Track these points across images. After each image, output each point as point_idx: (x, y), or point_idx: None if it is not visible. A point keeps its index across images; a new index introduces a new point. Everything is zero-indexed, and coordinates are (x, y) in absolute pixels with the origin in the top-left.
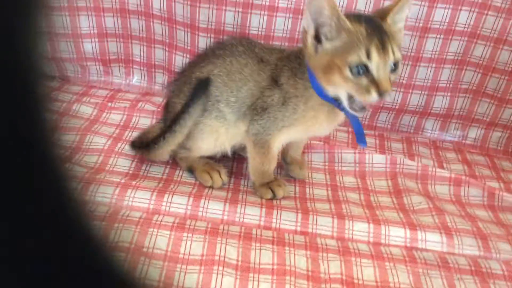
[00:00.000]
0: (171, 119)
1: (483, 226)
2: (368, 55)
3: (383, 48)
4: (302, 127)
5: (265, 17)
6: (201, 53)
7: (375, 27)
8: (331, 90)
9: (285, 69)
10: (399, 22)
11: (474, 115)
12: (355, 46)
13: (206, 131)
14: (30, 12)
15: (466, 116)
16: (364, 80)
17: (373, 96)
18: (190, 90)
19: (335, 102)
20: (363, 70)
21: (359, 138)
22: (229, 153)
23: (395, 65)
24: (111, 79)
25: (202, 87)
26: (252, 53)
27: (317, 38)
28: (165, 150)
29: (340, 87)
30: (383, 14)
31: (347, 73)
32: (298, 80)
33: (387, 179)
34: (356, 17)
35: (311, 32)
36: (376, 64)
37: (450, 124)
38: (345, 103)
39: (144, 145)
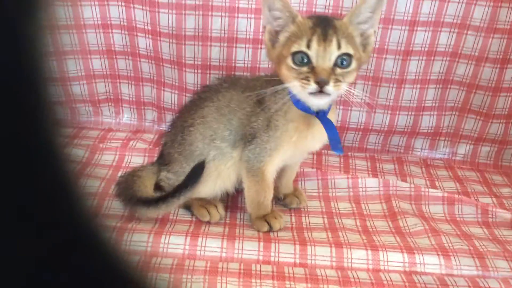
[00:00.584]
0: (168, 193)
1: (479, 244)
2: (309, 45)
3: (324, 39)
4: (289, 146)
5: (250, 50)
6: (187, 102)
7: (324, 22)
8: (286, 79)
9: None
10: (362, 25)
11: (461, 132)
12: (300, 36)
13: (206, 174)
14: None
15: (454, 133)
16: (304, 69)
17: (312, 85)
18: (182, 139)
19: (308, 109)
20: (305, 59)
21: (334, 145)
22: (231, 191)
23: (344, 60)
24: (101, 119)
25: (198, 170)
26: (237, 86)
27: (276, 34)
28: (159, 214)
29: (287, 79)
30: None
31: (290, 62)
32: (278, 96)
33: (381, 202)
34: (312, 16)
35: (268, 28)
36: (315, 52)
37: (439, 142)
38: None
39: (137, 203)
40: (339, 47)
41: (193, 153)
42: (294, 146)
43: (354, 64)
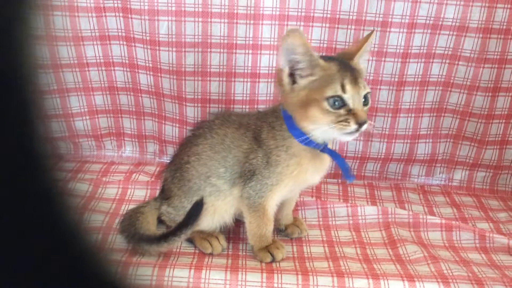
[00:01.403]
0: (170, 231)
1: (477, 270)
2: (343, 88)
3: (355, 82)
4: (290, 180)
5: (248, 84)
6: (184, 139)
7: (346, 65)
8: (309, 128)
9: (264, 126)
10: (363, 63)
11: (457, 158)
12: (331, 80)
13: (204, 209)
14: None
15: (449, 160)
16: (342, 112)
17: (352, 126)
18: (180, 175)
19: (316, 144)
20: (340, 102)
21: (346, 173)
22: (229, 223)
23: (365, 98)
24: (104, 153)
25: (198, 208)
26: (229, 122)
27: (292, 76)
28: (161, 251)
29: (319, 121)
30: (346, 55)
31: (326, 106)
32: (277, 132)
33: (380, 230)
34: (325, 57)
35: (286, 71)
36: (351, 96)
37: (435, 168)
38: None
39: (139, 240)
40: (364, 87)
41: (191, 188)
42: (295, 180)
43: (370, 100)
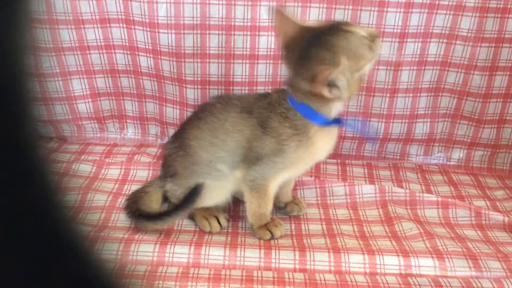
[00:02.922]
0: (165, 211)
1: (472, 246)
2: (370, 47)
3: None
4: (304, 162)
5: (247, 65)
6: (188, 117)
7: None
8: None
9: (272, 116)
10: None
11: (455, 137)
12: (361, 52)
13: (207, 191)
14: None
15: (447, 139)
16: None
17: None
18: (184, 154)
19: (337, 122)
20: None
21: (370, 140)
22: (229, 200)
23: None
24: (107, 135)
25: (195, 192)
26: (230, 107)
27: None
28: (159, 228)
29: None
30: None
31: (370, 55)
32: (293, 122)
33: (377, 208)
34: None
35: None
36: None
37: (433, 147)
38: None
39: (139, 217)
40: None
41: (195, 171)
42: (308, 161)
43: None
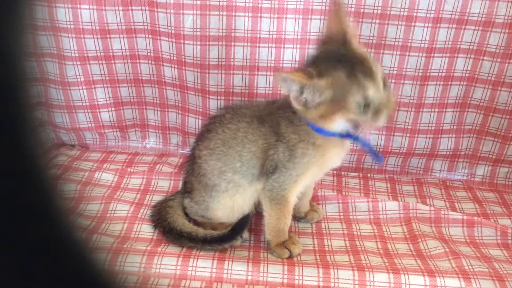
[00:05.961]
0: (212, 238)
1: (499, 266)
2: (364, 90)
3: (370, 73)
4: (315, 168)
5: (271, 77)
6: (199, 131)
7: (344, 59)
8: (336, 129)
9: (281, 120)
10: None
11: (480, 154)
12: (347, 89)
13: (222, 203)
14: None
15: (472, 155)
16: (370, 112)
17: (383, 119)
18: (197, 170)
19: (341, 135)
20: (366, 103)
21: (374, 157)
22: (249, 212)
23: (384, 81)
24: (128, 144)
25: (242, 224)
26: (240, 116)
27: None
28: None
29: (347, 124)
30: (336, 38)
31: (352, 114)
32: (298, 127)
33: (401, 224)
34: (322, 61)
35: (292, 96)
36: (373, 94)
37: (457, 163)
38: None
39: (179, 238)
40: (378, 71)
41: (207, 184)
42: (320, 168)
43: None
